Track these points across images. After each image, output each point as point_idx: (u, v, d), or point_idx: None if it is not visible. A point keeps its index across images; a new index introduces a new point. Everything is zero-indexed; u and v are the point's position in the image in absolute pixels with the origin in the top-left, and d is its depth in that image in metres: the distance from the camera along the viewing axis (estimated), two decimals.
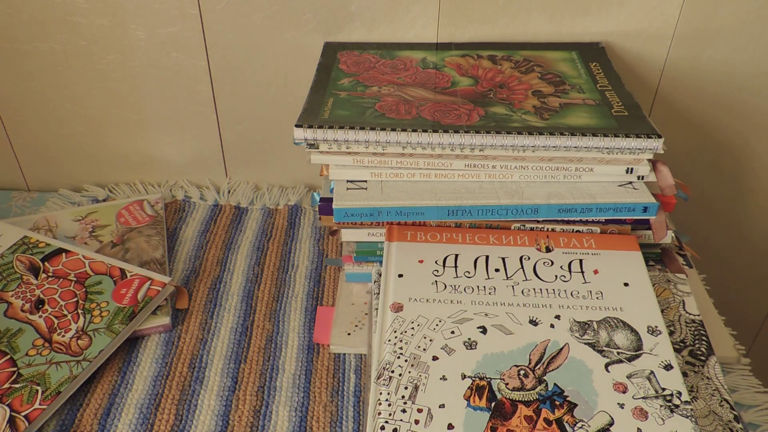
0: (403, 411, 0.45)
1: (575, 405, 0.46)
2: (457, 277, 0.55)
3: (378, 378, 0.47)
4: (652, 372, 0.48)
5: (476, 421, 0.44)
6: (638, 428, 0.45)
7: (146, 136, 0.79)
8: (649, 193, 0.57)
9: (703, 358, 0.53)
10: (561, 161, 0.57)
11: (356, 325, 0.60)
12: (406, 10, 0.69)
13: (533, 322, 0.51)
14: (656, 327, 0.51)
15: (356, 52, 0.70)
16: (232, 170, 0.81)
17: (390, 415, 0.45)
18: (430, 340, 0.49)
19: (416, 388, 0.46)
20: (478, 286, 0.54)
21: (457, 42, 0.71)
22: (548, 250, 0.58)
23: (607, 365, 0.48)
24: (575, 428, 0.44)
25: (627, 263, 0.56)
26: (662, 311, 0.56)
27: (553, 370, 0.48)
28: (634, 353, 0.50)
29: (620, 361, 0.49)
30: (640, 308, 0.53)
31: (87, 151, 0.80)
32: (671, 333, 0.55)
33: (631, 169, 0.57)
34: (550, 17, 0.70)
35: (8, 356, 0.55)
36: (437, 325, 0.51)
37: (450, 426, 0.44)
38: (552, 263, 0.56)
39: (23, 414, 0.51)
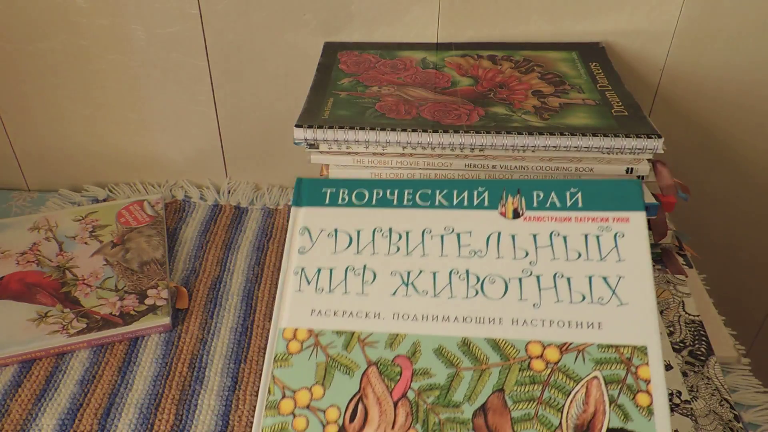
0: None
1: None
2: None
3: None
4: None
5: None
6: None
7: (146, 136, 0.79)
8: (649, 193, 0.57)
9: (702, 358, 0.54)
10: (561, 161, 0.57)
11: None
12: (406, 10, 0.69)
13: None
14: None
15: (356, 52, 0.70)
16: (232, 170, 0.82)
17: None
18: None
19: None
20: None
21: (457, 42, 0.71)
22: None
23: None
24: None
25: None
26: (662, 312, 0.56)
27: None
28: None
29: None
30: None
31: (87, 151, 0.80)
32: (671, 333, 0.55)
33: (631, 169, 0.57)
34: (550, 17, 0.70)
35: None
36: None
37: None
38: None
39: None
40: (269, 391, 0.40)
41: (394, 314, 0.41)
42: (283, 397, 0.40)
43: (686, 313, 0.57)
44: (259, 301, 0.65)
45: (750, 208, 0.84)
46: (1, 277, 0.65)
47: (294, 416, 0.39)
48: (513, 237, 0.43)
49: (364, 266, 0.43)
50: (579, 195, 0.44)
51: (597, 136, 0.55)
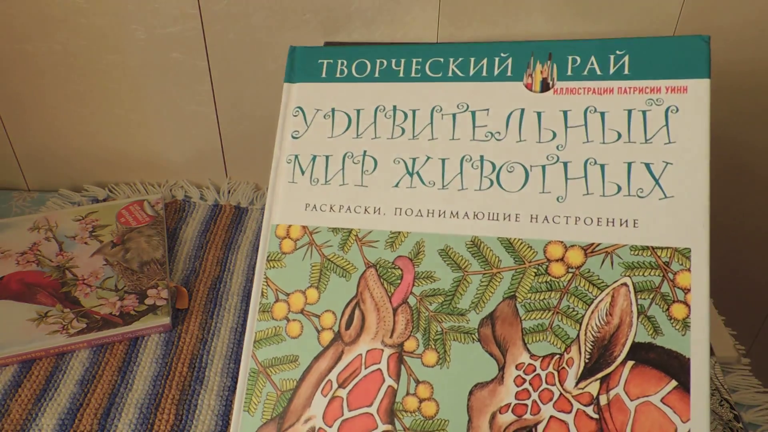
0: None
1: None
2: None
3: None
4: None
5: None
6: None
7: (146, 136, 0.79)
8: None
9: None
10: None
11: None
12: (406, 10, 0.69)
13: None
14: None
15: None
16: (232, 170, 0.82)
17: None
18: None
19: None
20: None
21: (457, 42, 0.71)
22: None
23: None
24: None
25: None
26: None
27: None
28: None
29: None
30: None
31: (87, 151, 0.80)
32: None
33: None
34: (550, 17, 0.70)
35: None
36: None
37: None
38: None
39: None
40: (262, 294, 0.37)
41: (396, 209, 0.36)
42: (277, 300, 0.37)
43: None
44: None
45: (750, 207, 0.84)
46: (1, 277, 0.65)
47: (288, 321, 0.37)
48: (539, 115, 0.36)
49: (364, 152, 0.38)
50: (626, 59, 0.36)
51: None
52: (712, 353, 0.54)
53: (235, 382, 0.57)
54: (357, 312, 0.36)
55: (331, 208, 0.37)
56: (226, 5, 0.69)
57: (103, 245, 0.69)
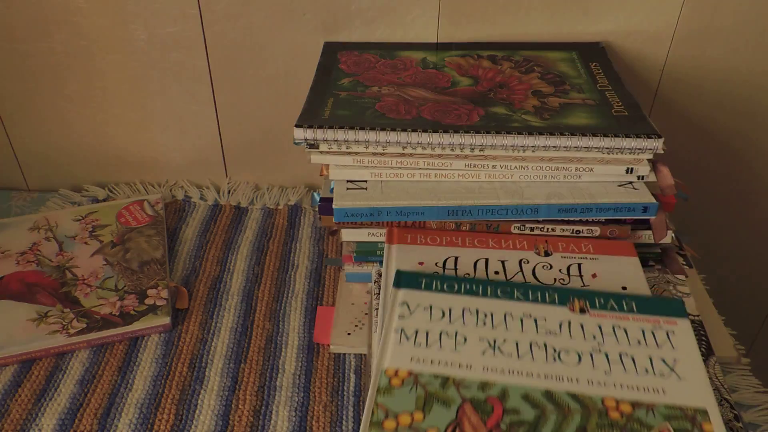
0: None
1: None
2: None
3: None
4: None
5: None
6: None
7: (146, 136, 0.79)
8: (648, 193, 0.57)
9: (702, 358, 0.53)
10: (561, 161, 0.57)
11: (356, 325, 0.60)
12: (406, 10, 0.69)
13: None
14: None
15: (356, 52, 0.70)
16: (232, 170, 0.82)
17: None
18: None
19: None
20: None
21: (457, 42, 0.71)
22: (546, 254, 0.58)
23: None
24: None
25: (624, 267, 0.56)
26: None
27: None
28: None
29: None
30: None
31: (87, 151, 0.80)
32: None
33: (631, 169, 0.57)
34: (550, 17, 0.70)
35: None
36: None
37: None
38: (551, 267, 0.57)
39: None
40: (372, 413, 0.44)
41: (484, 367, 0.47)
42: (386, 417, 0.44)
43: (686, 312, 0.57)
44: (259, 301, 0.65)
45: (750, 208, 0.84)
46: (1, 277, 0.65)
47: None
48: (582, 325, 0.51)
49: (456, 332, 0.50)
50: (633, 303, 0.52)
51: (597, 135, 0.55)
52: (712, 353, 0.54)
53: (235, 382, 0.57)
54: (458, 430, 0.44)
55: (431, 361, 0.48)
56: (226, 5, 0.69)
57: (103, 245, 0.69)
